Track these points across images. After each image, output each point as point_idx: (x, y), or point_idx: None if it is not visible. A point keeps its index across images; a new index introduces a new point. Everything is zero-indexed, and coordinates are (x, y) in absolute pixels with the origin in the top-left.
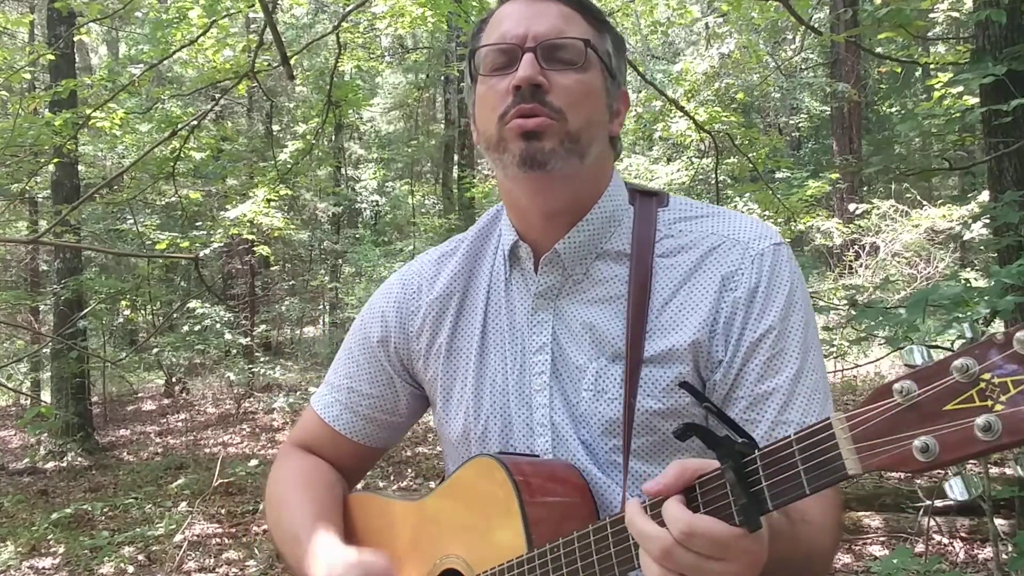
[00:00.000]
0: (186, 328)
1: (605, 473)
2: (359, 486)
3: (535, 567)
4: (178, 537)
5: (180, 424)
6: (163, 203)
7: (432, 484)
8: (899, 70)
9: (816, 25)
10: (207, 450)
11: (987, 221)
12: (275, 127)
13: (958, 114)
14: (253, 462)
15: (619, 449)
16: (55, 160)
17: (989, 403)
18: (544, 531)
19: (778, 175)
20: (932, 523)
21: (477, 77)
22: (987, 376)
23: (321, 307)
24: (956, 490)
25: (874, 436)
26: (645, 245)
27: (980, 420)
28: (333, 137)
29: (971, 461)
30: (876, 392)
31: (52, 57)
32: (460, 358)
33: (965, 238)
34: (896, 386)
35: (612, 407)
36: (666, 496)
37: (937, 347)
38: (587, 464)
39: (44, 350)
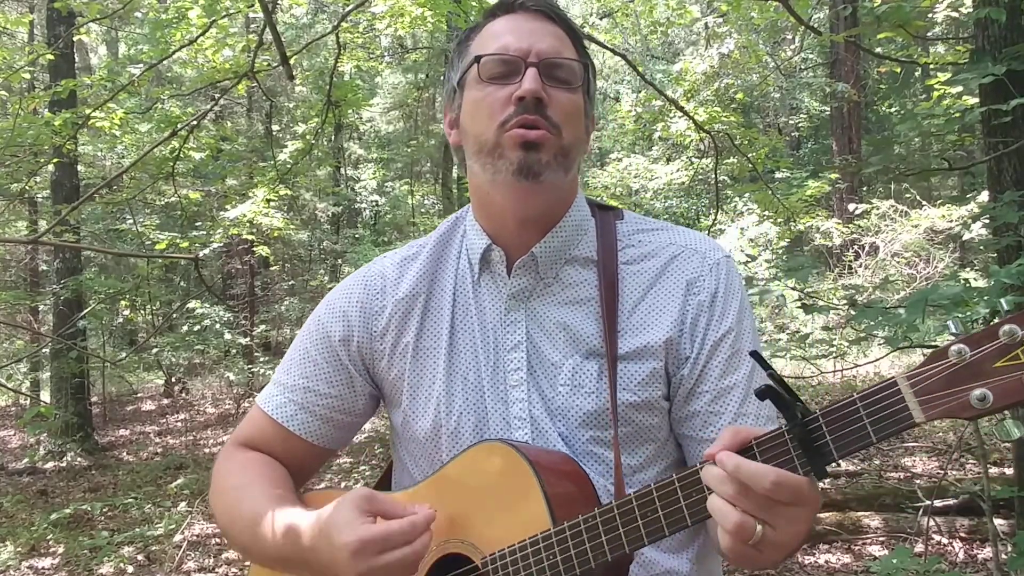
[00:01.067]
0: (186, 328)
1: (582, 463)
2: (321, 485)
3: (566, 538)
4: (177, 537)
5: (180, 424)
6: (163, 203)
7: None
8: (899, 70)
9: (816, 25)
10: (207, 450)
11: (987, 221)
12: (275, 127)
13: (958, 114)
14: None
15: (597, 441)
16: (55, 160)
17: None
18: (564, 507)
19: (778, 175)
20: (931, 523)
21: (466, 82)
22: None
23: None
24: (1011, 430)
25: (935, 390)
26: (609, 253)
27: None
28: (333, 137)
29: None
30: (932, 355)
31: (51, 57)
32: (428, 357)
33: (965, 238)
34: (953, 348)
35: (589, 400)
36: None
37: (936, 347)
38: None
39: (44, 350)
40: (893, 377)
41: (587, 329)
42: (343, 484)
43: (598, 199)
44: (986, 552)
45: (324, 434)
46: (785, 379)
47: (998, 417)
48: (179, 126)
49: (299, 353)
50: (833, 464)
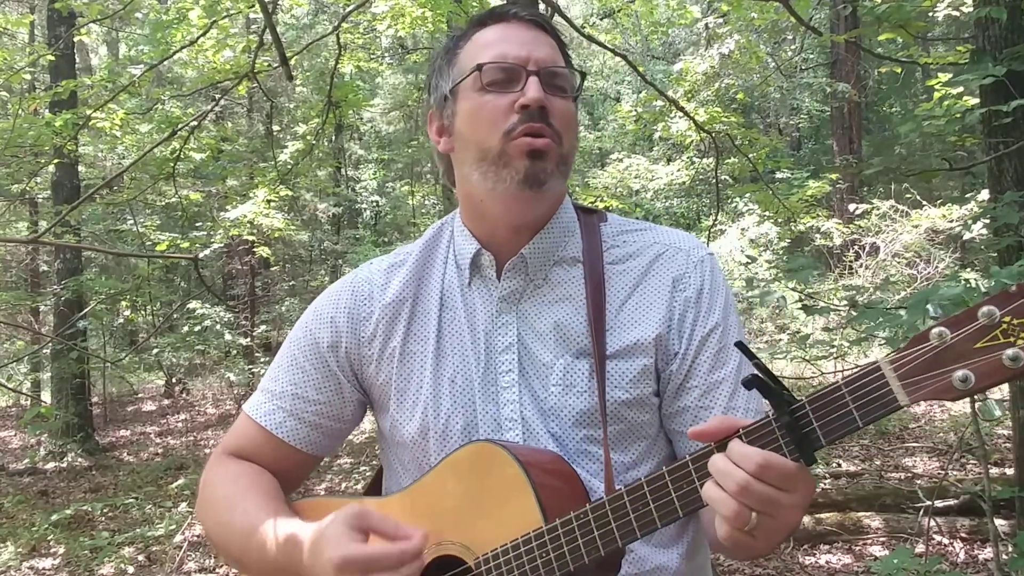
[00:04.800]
0: (186, 329)
1: (575, 462)
2: (321, 487)
3: (558, 535)
4: (178, 537)
5: (180, 424)
6: (163, 204)
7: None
8: (899, 70)
9: (816, 25)
10: (207, 450)
11: (987, 221)
12: (275, 127)
13: (958, 115)
14: None
15: (590, 439)
16: (55, 160)
17: (1012, 339)
18: (554, 504)
19: (778, 175)
20: (932, 523)
21: (460, 90)
22: (1008, 319)
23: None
24: (992, 410)
25: (918, 373)
26: (595, 254)
27: (1009, 352)
28: (333, 138)
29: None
30: (914, 339)
31: (52, 58)
32: (415, 360)
33: (965, 238)
34: (934, 331)
35: (581, 399)
36: (711, 439)
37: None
38: None
39: (44, 350)
40: (876, 362)
41: (577, 328)
42: (343, 485)
43: (600, 201)
44: (987, 552)
45: (313, 441)
46: (783, 378)
47: (980, 398)
48: (179, 126)
49: (287, 360)
50: (822, 450)
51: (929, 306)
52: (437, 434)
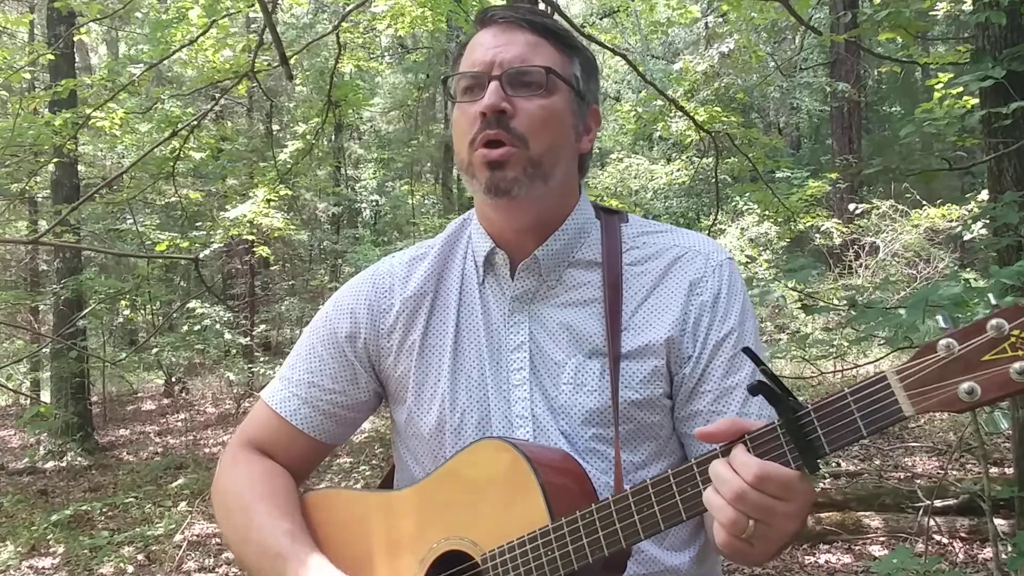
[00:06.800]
0: (186, 328)
1: (584, 460)
2: (322, 485)
3: (564, 534)
4: (178, 537)
5: (180, 424)
6: (163, 203)
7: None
8: (899, 70)
9: (816, 25)
10: (207, 450)
11: (987, 221)
12: (275, 127)
13: (958, 116)
14: None
15: (599, 438)
16: (55, 160)
17: (1021, 352)
18: (562, 503)
19: (778, 175)
20: (932, 523)
21: (456, 102)
22: (1017, 332)
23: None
24: (999, 423)
25: (924, 384)
26: (614, 254)
27: (1016, 365)
28: (333, 137)
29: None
30: (921, 349)
31: (52, 57)
32: (433, 354)
33: (965, 238)
34: (942, 342)
35: (592, 398)
36: (718, 441)
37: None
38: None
39: (44, 350)
40: (883, 372)
41: (590, 329)
42: (342, 484)
43: (600, 201)
44: (986, 552)
45: (326, 429)
46: (783, 378)
47: (987, 410)
48: (179, 126)
49: (305, 349)
50: (825, 458)
51: (939, 317)
52: (452, 428)
